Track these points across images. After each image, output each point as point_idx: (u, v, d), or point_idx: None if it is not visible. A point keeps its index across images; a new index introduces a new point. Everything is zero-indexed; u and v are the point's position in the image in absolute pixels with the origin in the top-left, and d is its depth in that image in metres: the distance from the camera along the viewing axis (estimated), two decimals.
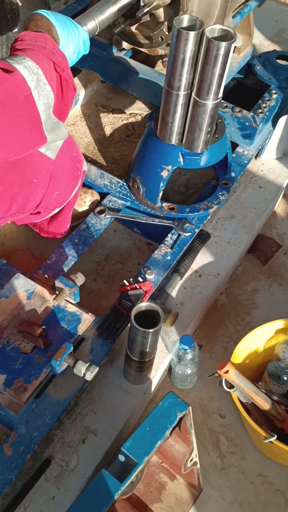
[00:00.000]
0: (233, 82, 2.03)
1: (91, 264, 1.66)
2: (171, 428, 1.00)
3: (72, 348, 1.20)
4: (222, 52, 1.20)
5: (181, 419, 1.01)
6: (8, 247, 1.68)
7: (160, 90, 1.80)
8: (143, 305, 1.20)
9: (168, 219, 1.61)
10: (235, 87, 2.05)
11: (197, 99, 1.33)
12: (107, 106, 2.05)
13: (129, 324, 1.23)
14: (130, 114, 2.05)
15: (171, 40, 1.25)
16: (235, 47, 1.87)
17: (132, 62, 1.86)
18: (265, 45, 2.61)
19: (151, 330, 1.15)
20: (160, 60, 1.82)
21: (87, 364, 1.19)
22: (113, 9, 1.44)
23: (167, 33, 1.58)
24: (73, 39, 1.16)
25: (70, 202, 1.48)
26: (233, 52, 1.89)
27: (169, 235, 1.58)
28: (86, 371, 1.18)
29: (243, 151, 1.82)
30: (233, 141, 1.81)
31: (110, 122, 2.01)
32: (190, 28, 1.25)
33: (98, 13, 1.40)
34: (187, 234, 1.57)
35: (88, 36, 1.24)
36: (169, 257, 1.53)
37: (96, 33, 1.41)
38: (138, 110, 2.05)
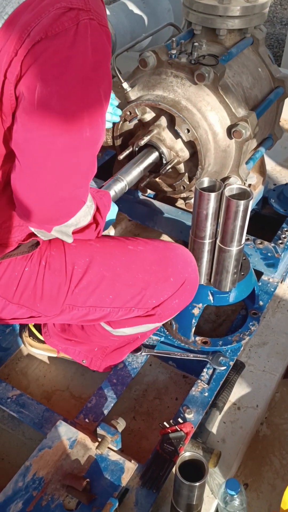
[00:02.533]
0: (251, 213, 2.18)
1: (129, 401, 1.68)
2: None
3: (117, 504, 1.19)
4: (241, 208, 1.32)
5: None
6: (48, 387, 1.72)
7: (184, 226, 1.96)
8: (187, 455, 1.20)
9: (202, 353, 1.65)
10: (253, 217, 2.19)
11: (222, 246, 1.44)
12: None
13: (173, 470, 1.22)
14: None
15: (194, 199, 1.39)
16: (250, 184, 2.05)
17: (157, 203, 2.03)
18: (277, 170, 2.82)
19: (197, 484, 1.14)
20: (183, 201, 1.98)
21: None
22: (139, 169, 1.63)
23: (188, 182, 1.75)
24: (111, 213, 1.35)
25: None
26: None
27: (205, 370, 1.61)
28: None
29: (269, 279, 1.90)
30: (258, 270, 1.90)
31: None
32: (210, 188, 1.40)
33: (126, 175, 1.58)
34: (222, 368, 1.60)
35: (117, 208, 1.41)
36: (206, 394, 1.55)
37: (125, 191, 1.59)
38: None
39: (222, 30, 1.68)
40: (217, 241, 1.45)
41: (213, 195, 1.34)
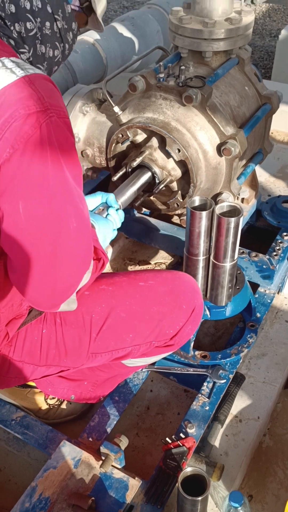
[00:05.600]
0: (246, 226, 2.22)
1: (132, 418, 1.70)
2: None
3: None
4: (232, 225, 1.36)
5: None
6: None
7: (180, 242, 1.99)
8: (189, 470, 1.22)
9: (202, 367, 1.67)
10: (248, 230, 2.23)
11: (216, 262, 1.47)
12: (133, 258, 2.24)
13: (176, 486, 1.24)
14: (155, 263, 2.22)
15: (186, 218, 1.43)
16: (243, 198, 2.09)
17: (153, 221, 2.07)
18: (271, 181, 2.87)
19: (199, 498, 1.16)
20: (178, 217, 2.03)
21: None
22: (132, 190, 1.67)
23: (181, 200, 1.80)
24: (105, 235, 1.37)
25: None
26: (242, 202, 2.11)
27: (205, 384, 1.63)
28: None
29: (265, 291, 1.93)
30: (254, 282, 1.94)
31: None
32: (201, 206, 1.44)
33: (120, 195, 1.62)
34: (222, 381, 1.62)
35: (116, 232, 1.44)
36: (207, 407, 1.57)
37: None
38: (162, 259, 2.23)
39: (208, 52, 1.73)
40: (211, 257, 1.49)
41: (204, 214, 1.38)
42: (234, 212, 1.40)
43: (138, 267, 2.21)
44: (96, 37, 2.54)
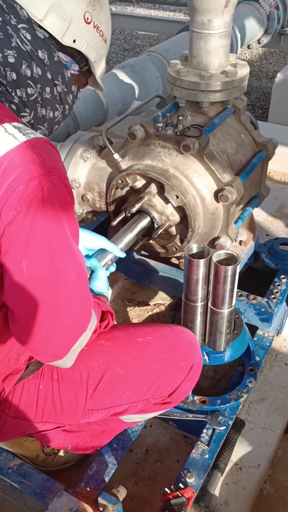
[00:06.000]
0: (244, 267, 2.24)
1: (131, 465, 1.67)
2: None
3: None
4: (229, 273, 1.38)
5: None
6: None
7: (179, 284, 2.01)
8: None
9: (201, 413, 1.66)
10: (246, 271, 2.25)
11: (214, 308, 1.49)
12: (133, 299, 2.26)
13: None
14: (155, 305, 2.23)
15: (184, 265, 1.45)
16: (241, 241, 2.12)
17: (152, 262, 2.09)
18: (269, 220, 2.91)
19: None
20: (177, 259, 2.05)
21: None
22: (131, 235, 1.70)
23: (179, 244, 1.82)
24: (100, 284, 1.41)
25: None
26: (240, 245, 2.14)
27: (204, 430, 1.62)
28: None
29: (264, 333, 1.93)
30: (253, 325, 1.94)
31: (137, 315, 2.19)
32: (199, 253, 1.46)
33: (118, 242, 1.65)
34: (222, 428, 1.61)
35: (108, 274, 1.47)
36: (207, 456, 1.55)
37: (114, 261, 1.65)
38: (161, 300, 2.24)
39: (205, 103, 1.79)
40: (209, 304, 1.50)
41: (202, 262, 1.40)
42: (231, 259, 1.42)
43: (137, 308, 2.22)
44: None
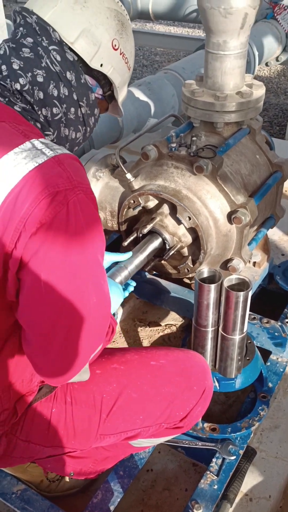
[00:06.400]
0: (258, 288, 2.20)
1: (137, 493, 1.63)
2: None
3: None
4: (241, 299, 1.35)
5: None
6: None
7: (190, 305, 1.97)
8: None
9: (211, 441, 1.61)
10: (260, 292, 2.20)
11: (225, 334, 1.45)
12: (144, 319, 2.22)
13: None
14: (166, 325, 2.20)
15: (195, 289, 1.42)
16: (254, 262, 2.08)
17: (164, 282, 2.07)
18: (284, 239, 2.86)
19: None
20: (189, 280, 2.02)
21: None
22: (142, 256, 1.68)
23: (191, 266, 1.79)
24: (115, 300, 1.38)
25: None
26: (254, 266, 2.10)
27: (214, 460, 1.57)
28: None
29: (277, 359, 1.88)
30: (266, 349, 1.89)
31: (148, 336, 2.16)
32: (210, 278, 1.43)
33: (129, 262, 1.63)
34: (232, 458, 1.56)
35: (122, 299, 1.44)
36: (216, 486, 1.50)
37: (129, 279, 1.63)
38: (173, 321, 2.21)
39: (219, 123, 1.77)
40: (220, 329, 1.47)
41: (213, 287, 1.37)
42: (243, 285, 1.38)
43: (148, 329, 2.19)
44: None
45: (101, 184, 1.91)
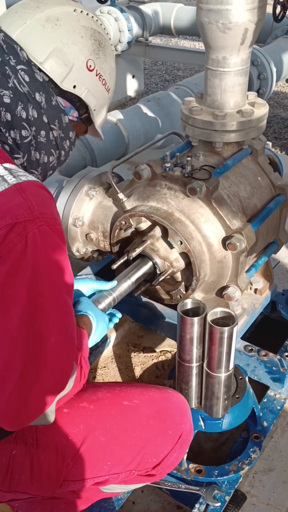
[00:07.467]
0: (260, 316, 2.07)
1: None
2: None
3: None
4: (225, 335, 1.24)
5: None
6: None
7: None
8: None
9: (196, 484, 1.49)
10: (262, 321, 2.08)
11: (209, 371, 1.34)
12: (138, 344, 2.12)
13: None
14: (161, 351, 2.09)
15: (177, 322, 1.32)
16: (256, 289, 1.96)
17: (159, 307, 1.96)
18: None
19: None
20: None
21: None
22: (129, 282, 1.59)
23: (184, 292, 1.69)
24: (101, 331, 1.30)
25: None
26: (255, 293, 1.98)
27: (197, 505, 1.45)
28: None
29: (275, 394, 1.75)
30: (263, 383, 1.76)
31: (141, 362, 2.06)
32: (194, 310, 1.33)
33: (114, 289, 1.54)
34: (217, 505, 1.43)
35: (108, 327, 1.36)
36: None
37: (113, 306, 1.53)
38: (169, 347, 2.10)
39: (218, 143, 1.68)
40: (204, 365, 1.36)
41: (196, 320, 1.27)
42: (229, 319, 1.28)
43: (141, 354, 2.09)
44: (119, 117, 2.59)
45: (94, 203, 1.84)
